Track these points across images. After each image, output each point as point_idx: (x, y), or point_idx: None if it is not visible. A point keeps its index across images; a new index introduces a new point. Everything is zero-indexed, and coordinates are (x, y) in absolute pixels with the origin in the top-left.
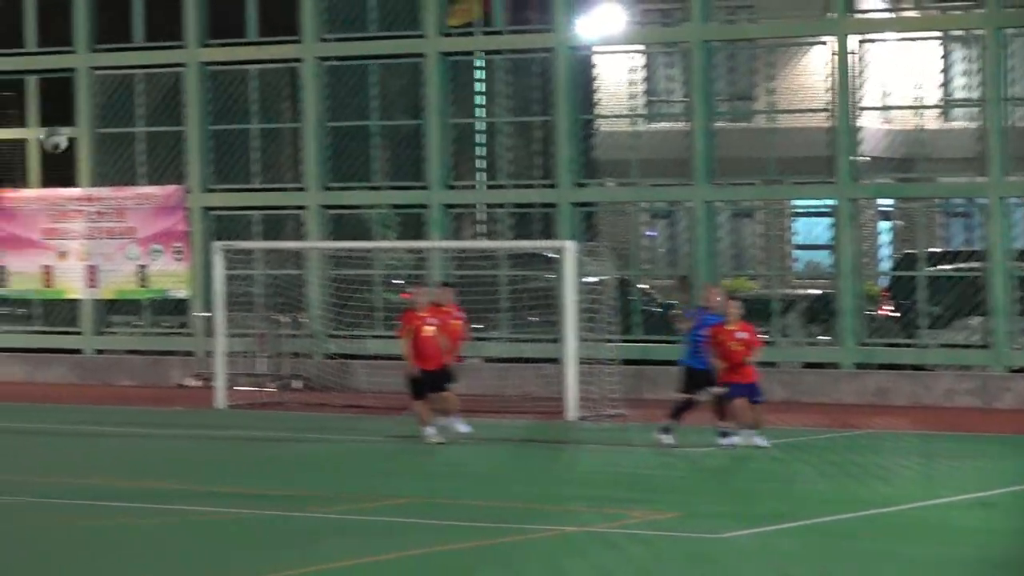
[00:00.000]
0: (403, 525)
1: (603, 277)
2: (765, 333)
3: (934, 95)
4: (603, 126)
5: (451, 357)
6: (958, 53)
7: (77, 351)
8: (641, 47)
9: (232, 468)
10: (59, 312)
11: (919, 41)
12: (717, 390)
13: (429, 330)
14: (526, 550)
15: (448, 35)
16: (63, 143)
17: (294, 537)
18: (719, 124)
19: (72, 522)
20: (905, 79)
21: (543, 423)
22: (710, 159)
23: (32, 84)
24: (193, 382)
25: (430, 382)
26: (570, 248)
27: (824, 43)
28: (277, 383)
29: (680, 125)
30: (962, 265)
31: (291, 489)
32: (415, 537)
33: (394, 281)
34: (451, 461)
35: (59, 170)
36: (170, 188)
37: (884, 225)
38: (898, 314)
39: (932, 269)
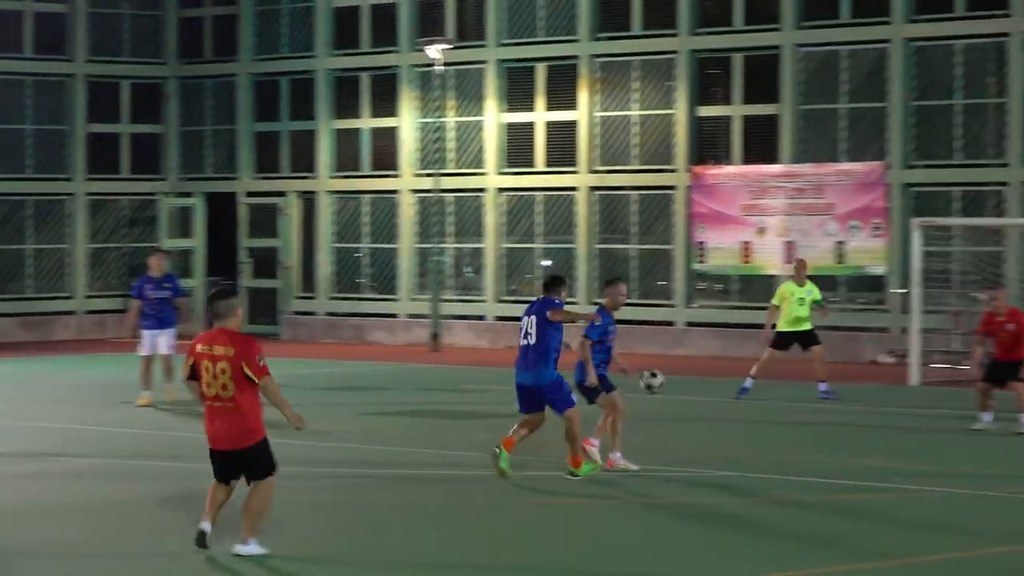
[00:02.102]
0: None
1: None
2: None
3: None
4: None
5: None
6: None
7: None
8: None
9: (935, 446)
10: (756, 287)
11: None
12: None
13: None
14: None
15: None
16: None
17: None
18: None
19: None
20: None
21: None
22: None
23: (738, 61)
24: (887, 358)
25: None
26: None
27: None
28: (972, 361)
29: None
30: None
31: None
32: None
33: None
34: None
35: (761, 147)
36: (871, 164)
37: None
38: None
39: None
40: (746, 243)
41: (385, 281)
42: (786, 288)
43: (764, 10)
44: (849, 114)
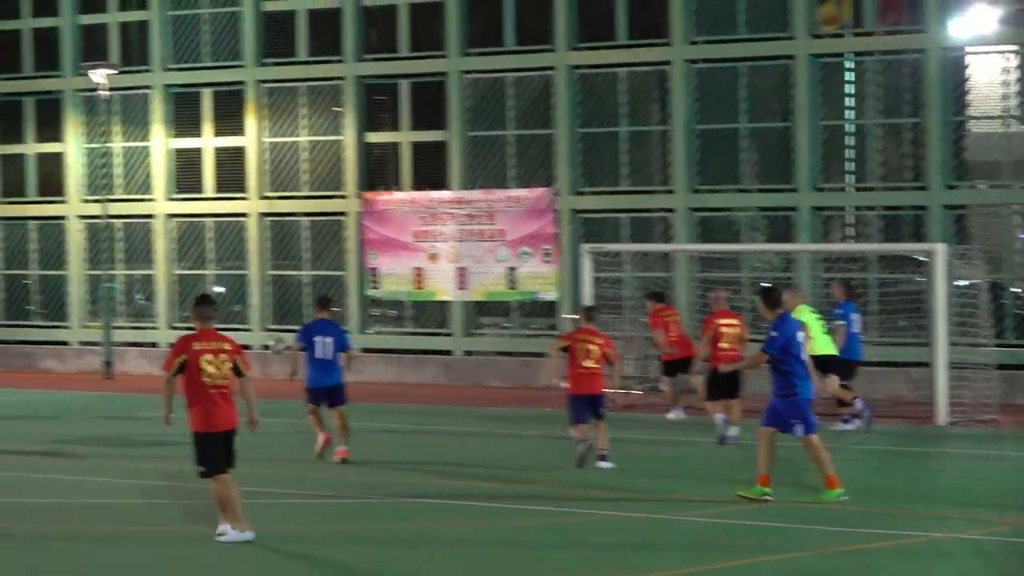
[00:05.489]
0: (764, 529)
1: (975, 280)
2: None
3: None
4: (975, 127)
5: None
6: None
7: (447, 352)
8: (1015, 47)
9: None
10: (430, 314)
11: None
12: None
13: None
14: (894, 555)
15: (818, 36)
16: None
17: (677, 538)
18: None
19: (461, 523)
20: None
21: (913, 428)
22: None
23: (405, 88)
24: (561, 383)
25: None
26: (941, 251)
27: None
28: (644, 386)
29: None
30: None
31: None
32: (778, 542)
33: (762, 284)
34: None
35: (431, 173)
36: (539, 191)
37: None
38: None
39: None
40: (419, 269)
41: (55, 308)
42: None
43: (430, 37)
44: (517, 140)
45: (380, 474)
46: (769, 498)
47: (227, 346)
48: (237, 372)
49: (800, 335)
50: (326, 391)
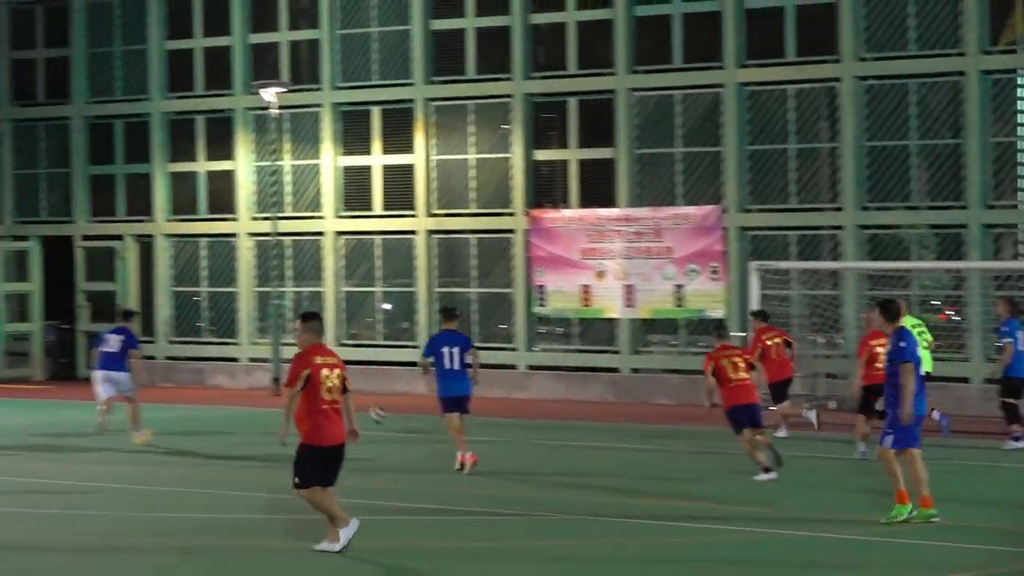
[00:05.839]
0: (938, 548)
1: None
2: None
3: None
4: None
5: None
6: None
7: (614, 370)
8: None
9: (772, 487)
10: (597, 331)
11: None
12: None
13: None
14: None
15: (989, 53)
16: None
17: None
18: None
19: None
20: None
21: None
22: None
23: (573, 106)
24: (717, 402)
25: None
26: None
27: None
28: (812, 403)
29: None
30: None
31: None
32: (950, 560)
33: (932, 302)
34: (995, 483)
35: (598, 190)
36: (707, 208)
37: None
38: None
39: None
40: (586, 286)
41: (225, 325)
42: None
43: (598, 55)
44: (684, 158)
45: (543, 490)
46: (936, 519)
47: (336, 361)
48: (343, 388)
49: (918, 349)
50: (456, 400)
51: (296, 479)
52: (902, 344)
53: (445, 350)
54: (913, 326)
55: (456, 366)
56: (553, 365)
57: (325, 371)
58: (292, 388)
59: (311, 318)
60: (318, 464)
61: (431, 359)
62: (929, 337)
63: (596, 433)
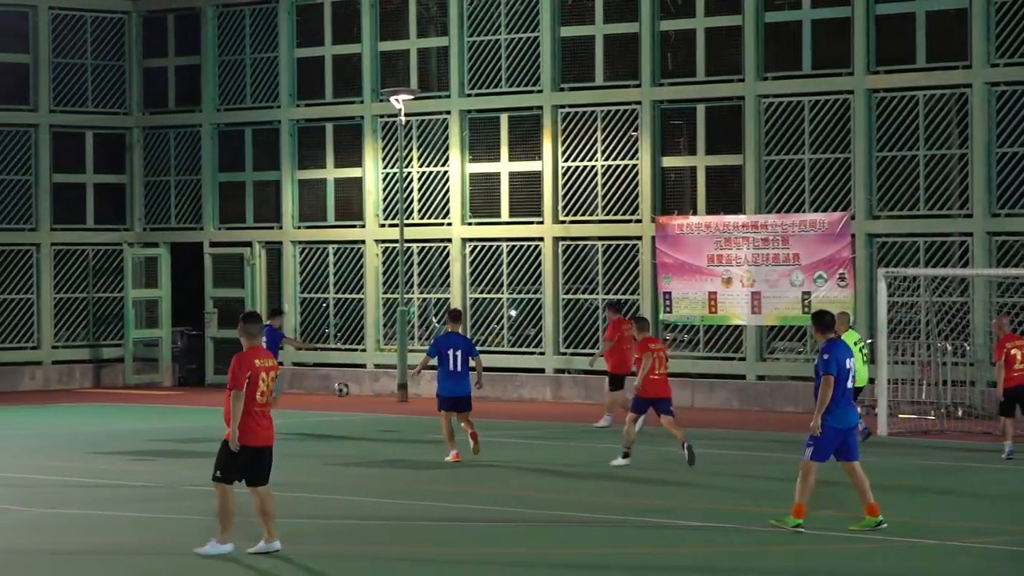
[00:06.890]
0: None
1: None
2: None
3: None
4: None
5: None
6: None
7: (740, 377)
8: None
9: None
10: (723, 338)
11: None
12: None
13: None
14: None
15: None
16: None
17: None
18: None
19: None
20: None
21: None
22: None
23: (701, 112)
24: (858, 408)
25: None
26: None
27: None
28: (939, 411)
29: None
30: None
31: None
32: None
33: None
34: None
35: (725, 197)
36: (835, 215)
37: None
38: None
39: None
40: (712, 293)
41: (352, 331)
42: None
43: (726, 61)
44: (812, 164)
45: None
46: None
47: (273, 363)
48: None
49: (849, 361)
50: (455, 400)
51: (217, 472)
52: (826, 356)
53: (449, 352)
54: (855, 342)
55: (459, 367)
56: (680, 372)
57: (263, 374)
58: (237, 390)
59: (253, 319)
60: (243, 463)
61: (434, 360)
62: (867, 351)
63: (720, 440)
